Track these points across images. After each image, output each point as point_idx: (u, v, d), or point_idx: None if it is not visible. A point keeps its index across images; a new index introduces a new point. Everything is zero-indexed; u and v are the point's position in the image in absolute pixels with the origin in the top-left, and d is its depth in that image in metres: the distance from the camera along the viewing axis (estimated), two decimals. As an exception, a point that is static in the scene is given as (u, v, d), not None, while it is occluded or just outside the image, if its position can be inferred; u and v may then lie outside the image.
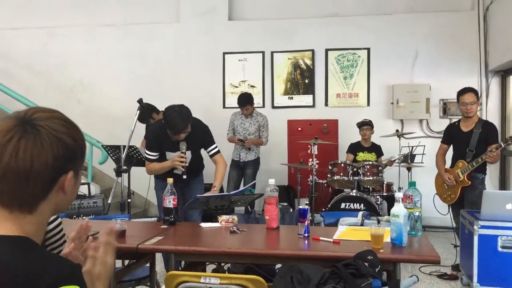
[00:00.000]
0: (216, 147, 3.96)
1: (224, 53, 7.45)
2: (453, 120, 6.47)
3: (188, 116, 3.66)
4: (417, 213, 2.74)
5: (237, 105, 6.29)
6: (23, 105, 7.02)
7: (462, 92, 4.59)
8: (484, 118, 6.49)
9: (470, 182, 4.50)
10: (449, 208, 4.84)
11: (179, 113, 3.61)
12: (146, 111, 5.41)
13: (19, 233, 1.07)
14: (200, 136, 3.88)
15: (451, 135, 4.78)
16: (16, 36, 7.89)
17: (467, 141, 4.55)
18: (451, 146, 4.81)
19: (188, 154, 3.78)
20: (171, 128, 3.64)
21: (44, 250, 1.10)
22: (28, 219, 1.09)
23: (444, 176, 4.66)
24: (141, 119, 5.26)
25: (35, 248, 1.07)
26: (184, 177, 3.68)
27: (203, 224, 3.12)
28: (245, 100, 6.16)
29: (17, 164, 1.03)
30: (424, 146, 6.14)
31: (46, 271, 1.01)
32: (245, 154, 6.27)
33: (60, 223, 1.68)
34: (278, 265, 2.81)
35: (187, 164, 3.68)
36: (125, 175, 4.59)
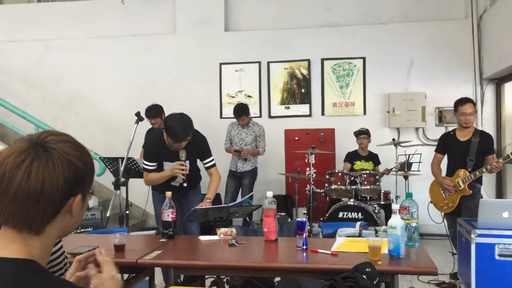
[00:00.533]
0: (212, 159, 3.95)
1: (221, 64, 7.49)
2: (449, 128, 6.52)
3: (189, 124, 3.65)
4: (414, 224, 2.76)
5: (233, 115, 6.32)
6: (21, 118, 7.05)
7: (462, 102, 4.60)
8: (479, 126, 6.55)
9: (471, 191, 4.52)
10: (443, 217, 4.86)
11: (180, 121, 3.60)
12: (155, 109, 5.49)
13: (25, 256, 1.08)
14: (199, 145, 3.87)
15: (446, 145, 4.79)
16: (13, 49, 7.91)
17: (465, 151, 4.56)
18: (445, 156, 4.83)
19: (187, 163, 3.79)
20: (172, 136, 3.61)
21: (48, 273, 1.11)
22: (35, 241, 1.11)
23: (445, 181, 4.64)
24: (153, 115, 5.31)
25: (40, 271, 1.08)
26: (185, 185, 3.68)
27: (202, 237, 3.13)
28: (241, 110, 6.19)
29: (28, 185, 1.06)
30: (421, 154, 6.17)
31: None
32: (242, 164, 6.29)
33: (59, 241, 1.69)
34: (277, 278, 2.83)
35: (187, 172, 3.66)
36: (123, 187, 4.60)
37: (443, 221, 4.86)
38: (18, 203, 1.06)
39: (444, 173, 4.80)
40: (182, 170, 3.61)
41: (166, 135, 3.70)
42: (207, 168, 3.95)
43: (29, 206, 1.07)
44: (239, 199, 6.16)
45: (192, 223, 3.87)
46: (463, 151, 4.59)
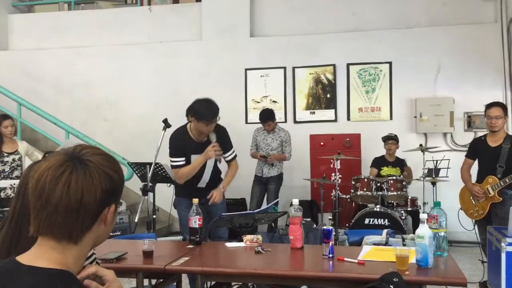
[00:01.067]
0: (234, 151, 4.01)
1: (246, 69, 7.54)
2: (478, 133, 6.41)
3: (215, 106, 3.72)
4: (442, 234, 2.73)
5: (259, 121, 6.34)
6: (51, 124, 7.23)
7: (489, 105, 4.55)
8: (510, 131, 6.39)
9: (501, 199, 4.43)
10: (474, 224, 4.77)
11: (206, 103, 3.70)
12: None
13: (60, 266, 1.11)
14: (221, 134, 3.88)
15: (477, 150, 4.72)
16: (45, 56, 8.12)
17: (496, 157, 4.48)
18: (476, 161, 4.75)
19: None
20: (201, 117, 3.65)
21: (81, 284, 1.15)
22: (73, 250, 1.14)
23: (474, 188, 4.58)
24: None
25: (73, 283, 1.12)
26: (219, 163, 3.79)
27: (228, 244, 3.15)
28: (267, 116, 6.21)
29: (68, 197, 1.09)
30: (449, 160, 6.07)
31: None
32: (268, 169, 6.29)
33: (93, 254, 1.73)
34: (304, 287, 2.83)
35: (221, 152, 3.72)
36: (150, 192, 4.66)
37: (474, 228, 4.78)
38: (58, 215, 1.10)
39: (474, 179, 4.72)
40: (216, 150, 3.67)
41: (192, 122, 3.74)
42: (229, 161, 3.99)
43: (69, 217, 1.10)
44: (265, 204, 6.18)
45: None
46: (494, 157, 4.50)
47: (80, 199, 1.10)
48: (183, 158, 3.82)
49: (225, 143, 3.91)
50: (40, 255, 1.12)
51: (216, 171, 3.98)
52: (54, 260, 1.12)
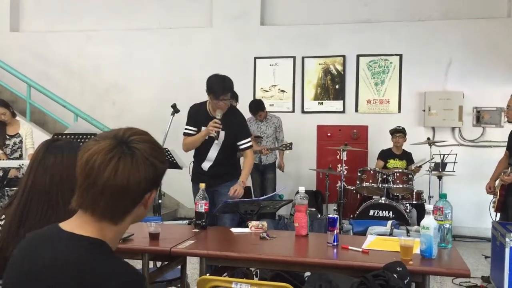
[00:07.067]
0: (250, 141, 3.96)
1: (255, 58, 7.52)
2: (487, 129, 6.40)
3: (229, 82, 3.77)
4: (447, 225, 2.74)
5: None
6: (60, 106, 7.27)
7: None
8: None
9: (499, 194, 4.41)
10: (495, 216, 4.71)
11: (221, 78, 3.76)
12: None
13: (97, 236, 1.18)
14: (238, 120, 3.90)
15: (509, 143, 4.62)
16: (55, 39, 8.14)
17: None
18: None
19: (222, 134, 3.78)
20: (211, 91, 3.71)
21: (115, 256, 1.20)
22: (112, 229, 1.21)
23: (488, 183, 4.58)
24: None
25: (108, 252, 1.18)
26: (216, 142, 3.76)
27: (234, 229, 3.18)
28: (256, 108, 6.18)
29: (115, 182, 1.15)
30: (456, 154, 6.06)
31: (112, 276, 1.12)
32: (265, 157, 6.28)
33: None
34: (307, 273, 2.85)
35: (218, 129, 3.66)
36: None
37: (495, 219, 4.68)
38: (104, 197, 1.16)
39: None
40: (216, 127, 3.64)
41: (208, 97, 3.79)
42: (243, 149, 3.90)
43: (114, 201, 1.17)
44: (271, 194, 6.19)
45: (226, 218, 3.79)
46: None
47: (126, 185, 1.16)
48: (194, 129, 3.89)
49: (240, 129, 3.91)
50: (80, 226, 1.19)
51: (228, 159, 3.90)
52: (93, 232, 1.18)
